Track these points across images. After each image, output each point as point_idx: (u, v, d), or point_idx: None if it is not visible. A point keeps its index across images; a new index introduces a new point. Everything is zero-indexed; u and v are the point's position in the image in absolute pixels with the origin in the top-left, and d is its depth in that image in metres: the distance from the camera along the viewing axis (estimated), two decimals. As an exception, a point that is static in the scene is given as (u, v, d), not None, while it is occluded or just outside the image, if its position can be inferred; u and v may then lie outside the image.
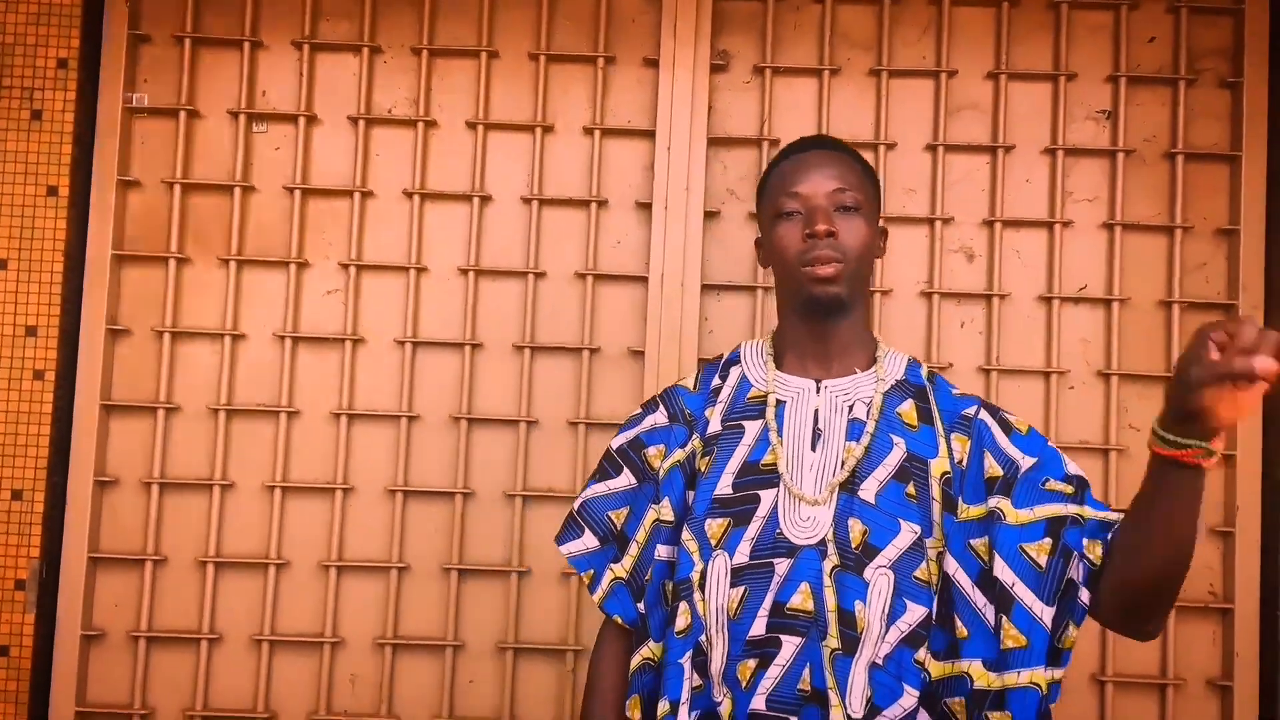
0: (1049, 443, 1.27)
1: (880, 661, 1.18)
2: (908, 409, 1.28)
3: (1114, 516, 1.18)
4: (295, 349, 2.01)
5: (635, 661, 1.29)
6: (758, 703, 1.17)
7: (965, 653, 1.18)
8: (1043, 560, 1.17)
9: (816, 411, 1.28)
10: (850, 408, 1.27)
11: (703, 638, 1.23)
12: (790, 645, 1.18)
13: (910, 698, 1.17)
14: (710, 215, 2.02)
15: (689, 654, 1.23)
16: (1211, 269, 2.02)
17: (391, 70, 2.06)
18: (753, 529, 1.23)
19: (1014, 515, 1.19)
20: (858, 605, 1.17)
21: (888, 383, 1.30)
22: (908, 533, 1.21)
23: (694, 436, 1.32)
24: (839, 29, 2.06)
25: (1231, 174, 2.01)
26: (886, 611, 1.18)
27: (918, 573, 1.20)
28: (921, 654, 1.19)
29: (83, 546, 1.94)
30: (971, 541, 1.21)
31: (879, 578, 1.19)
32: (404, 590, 1.98)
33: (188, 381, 2.01)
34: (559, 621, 1.98)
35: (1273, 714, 1.90)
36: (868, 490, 1.22)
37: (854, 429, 1.26)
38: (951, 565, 1.21)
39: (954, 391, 1.32)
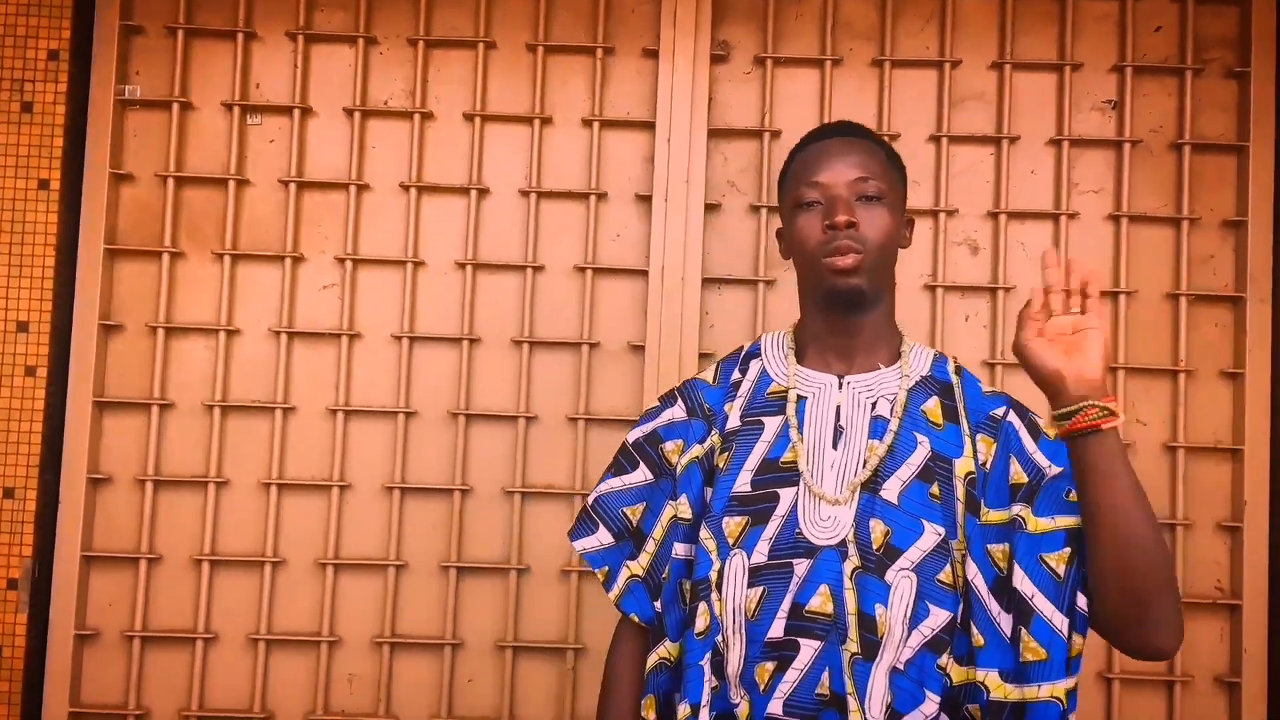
0: None
1: (901, 666, 1.15)
2: (933, 406, 1.24)
3: None
4: (291, 344, 1.99)
5: (651, 661, 1.27)
6: (775, 706, 1.15)
7: (981, 662, 1.16)
8: (1062, 570, 1.14)
9: (838, 408, 1.25)
10: (873, 404, 1.24)
11: (719, 638, 1.20)
12: (809, 649, 1.15)
13: (931, 704, 1.15)
14: (711, 208, 2.00)
15: (708, 655, 1.21)
16: (1219, 261, 2.00)
17: (387, 61, 2.04)
18: (771, 528, 1.20)
19: (1035, 524, 1.16)
20: (878, 609, 1.14)
21: (912, 379, 1.26)
22: (931, 534, 1.17)
23: (713, 432, 1.29)
24: (841, 19, 2.04)
25: (1239, 165, 1.99)
26: (908, 615, 1.15)
27: (941, 575, 1.17)
28: (944, 659, 1.16)
29: (76, 545, 1.92)
30: (990, 547, 1.18)
31: (901, 580, 1.16)
32: (402, 588, 1.96)
33: (182, 378, 1.99)
34: (559, 620, 1.96)
35: (1281, 711, 1.89)
36: (890, 490, 1.19)
37: (877, 427, 1.22)
38: (971, 570, 1.18)
39: (983, 389, 1.28)
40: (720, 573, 1.20)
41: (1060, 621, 1.13)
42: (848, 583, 1.16)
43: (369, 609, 1.95)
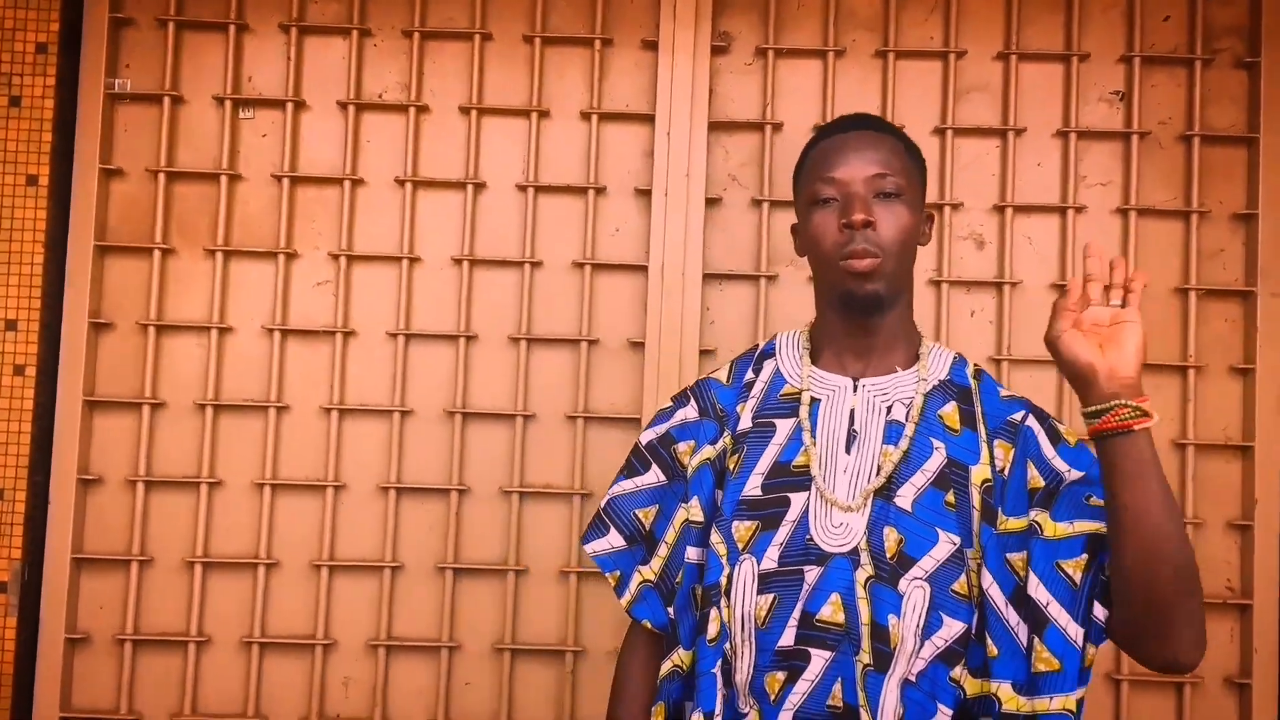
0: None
1: (913, 678, 1.11)
2: (950, 411, 1.21)
3: None
4: (284, 342, 1.96)
5: (665, 669, 1.24)
6: (785, 718, 1.12)
7: (995, 673, 1.12)
8: (1078, 577, 1.11)
9: (853, 411, 1.21)
10: (889, 408, 1.21)
11: (728, 645, 1.17)
12: (819, 659, 1.12)
13: (944, 716, 1.11)
14: (712, 202, 1.97)
15: (719, 662, 1.18)
16: (1229, 255, 1.96)
17: (382, 54, 2.01)
18: (781, 533, 1.16)
19: (1052, 529, 1.13)
20: (891, 619, 1.11)
21: (930, 383, 1.22)
22: (946, 543, 1.14)
23: (725, 433, 1.26)
24: (844, 9, 2.00)
25: (1249, 157, 1.96)
26: (921, 626, 1.12)
27: (956, 586, 1.13)
28: (958, 671, 1.13)
29: (66, 547, 1.90)
30: (1009, 556, 1.14)
31: (914, 590, 1.12)
32: (398, 590, 1.93)
33: (173, 376, 1.96)
34: (557, 622, 1.93)
35: (1293, 713, 1.86)
36: (904, 497, 1.15)
37: (892, 431, 1.19)
38: (987, 579, 1.14)
39: (1002, 393, 1.24)
40: (729, 578, 1.17)
41: (1075, 631, 1.10)
42: (861, 592, 1.12)
43: (364, 611, 1.93)
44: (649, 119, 1.98)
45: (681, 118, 1.95)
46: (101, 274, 1.96)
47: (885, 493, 1.16)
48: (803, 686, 1.12)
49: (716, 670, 1.18)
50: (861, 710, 1.10)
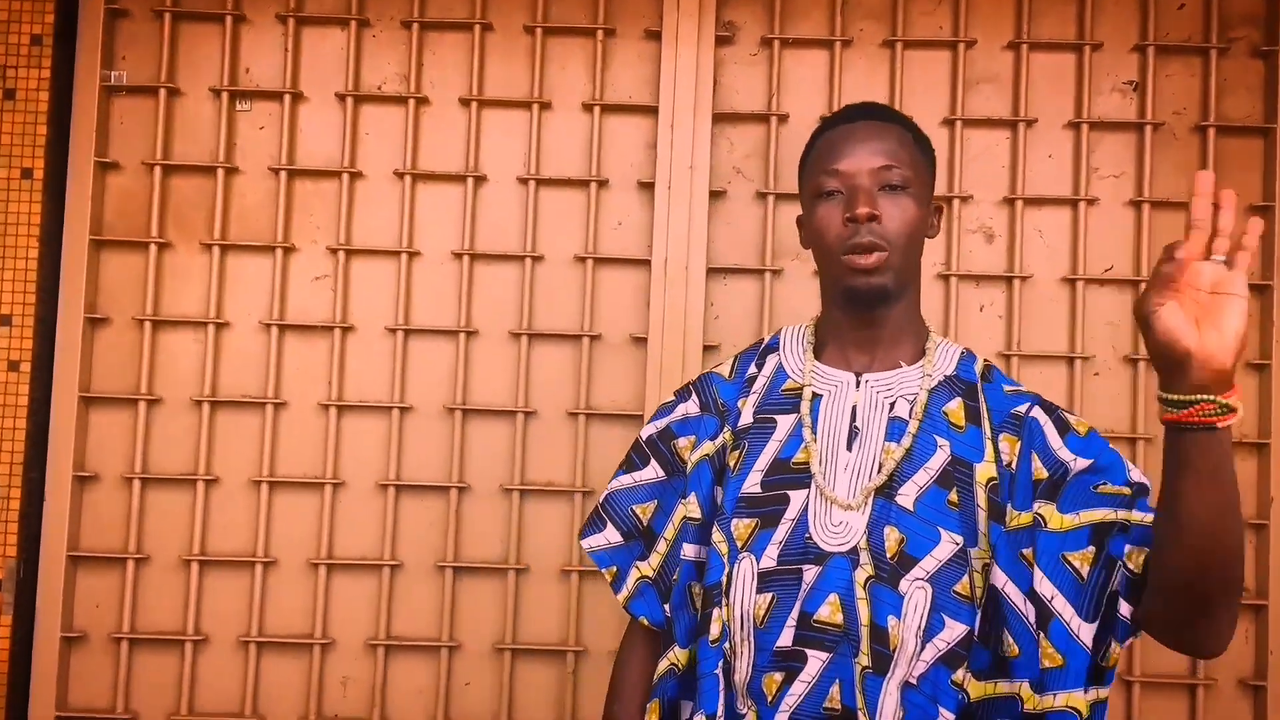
0: (1112, 447, 1.15)
1: (914, 681, 1.09)
2: (955, 408, 1.17)
3: None
4: (282, 338, 1.94)
5: (661, 667, 1.22)
6: (781, 719, 1.10)
7: (1017, 673, 1.09)
8: (1085, 571, 1.07)
9: (855, 407, 1.18)
10: (892, 405, 1.18)
11: (727, 645, 1.15)
12: (816, 661, 1.10)
13: None
14: (715, 195, 1.94)
15: (721, 663, 1.16)
16: (1244, 248, 1.92)
17: (381, 45, 1.98)
18: (780, 532, 1.14)
19: (1057, 520, 1.09)
20: (891, 620, 1.08)
21: (935, 378, 1.19)
22: (948, 543, 1.11)
23: (725, 429, 1.24)
24: (850, -2, 1.97)
25: (1265, 148, 1.92)
26: (922, 628, 1.09)
27: (958, 587, 1.10)
28: (960, 674, 1.10)
29: (62, 545, 1.88)
30: (1024, 551, 1.11)
31: (915, 591, 1.09)
32: (397, 589, 1.91)
33: (170, 372, 1.94)
34: (558, 621, 1.90)
35: (1309, 716, 1.82)
36: (906, 496, 1.13)
37: (894, 428, 1.16)
38: (1000, 578, 1.11)
39: (1008, 388, 1.21)
40: (730, 577, 1.15)
41: (1079, 626, 1.06)
42: (860, 592, 1.10)
43: (363, 610, 1.91)
44: (652, 111, 1.95)
45: (685, 109, 1.92)
46: (97, 268, 1.94)
47: (886, 491, 1.13)
48: (799, 688, 1.10)
49: (718, 671, 1.16)
50: (860, 713, 1.08)
